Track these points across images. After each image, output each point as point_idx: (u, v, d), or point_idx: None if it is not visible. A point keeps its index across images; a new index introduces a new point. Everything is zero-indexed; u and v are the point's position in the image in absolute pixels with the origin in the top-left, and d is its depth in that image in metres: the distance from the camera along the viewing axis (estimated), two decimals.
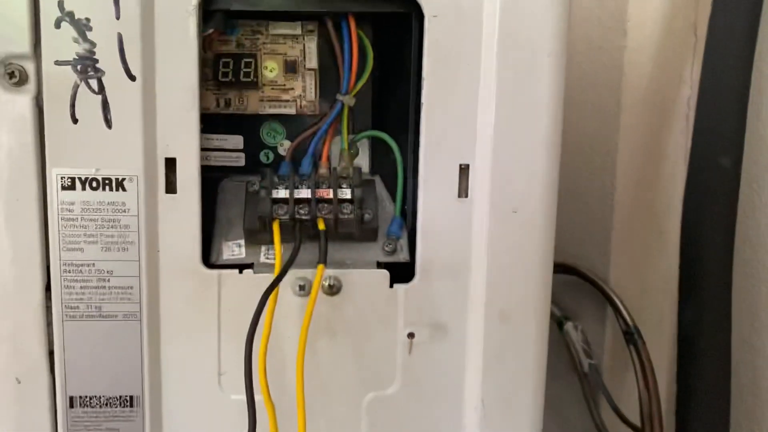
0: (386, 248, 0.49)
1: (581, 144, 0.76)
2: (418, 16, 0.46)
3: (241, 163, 0.53)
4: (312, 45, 0.51)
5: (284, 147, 0.53)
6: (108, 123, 0.44)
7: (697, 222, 0.60)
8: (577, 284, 0.76)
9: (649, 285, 0.75)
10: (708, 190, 0.59)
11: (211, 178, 0.51)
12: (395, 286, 0.48)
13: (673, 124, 0.71)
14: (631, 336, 0.71)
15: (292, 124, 0.53)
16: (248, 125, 0.53)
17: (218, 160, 0.53)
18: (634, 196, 0.76)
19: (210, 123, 0.51)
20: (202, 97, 0.51)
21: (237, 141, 0.53)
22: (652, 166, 0.74)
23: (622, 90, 0.76)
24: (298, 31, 0.51)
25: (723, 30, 0.57)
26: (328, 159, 0.51)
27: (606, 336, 0.80)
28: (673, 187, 0.70)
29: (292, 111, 0.52)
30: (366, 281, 0.47)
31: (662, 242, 0.72)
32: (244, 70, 0.50)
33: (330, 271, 0.47)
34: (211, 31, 0.47)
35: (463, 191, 0.47)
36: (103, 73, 0.43)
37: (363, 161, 0.54)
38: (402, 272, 0.48)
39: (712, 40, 0.58)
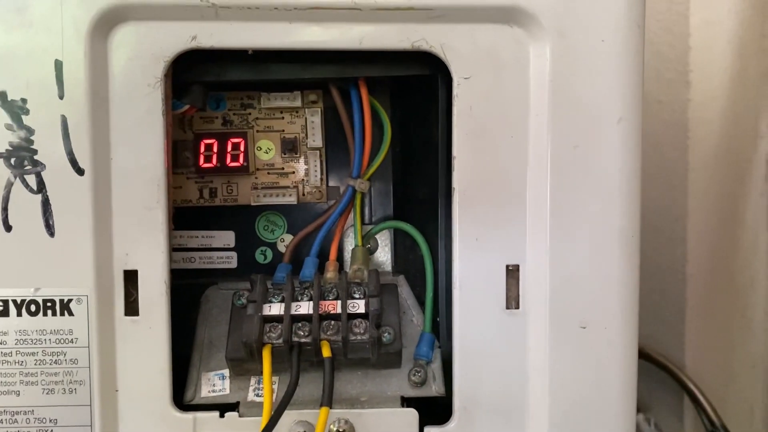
0: (413, 377, 0.38)
1: (646, 210, 0.68)
2: (445, 78, 0.36)
3: (233, 264, 0.43)
4: (315, 119, 0.41)
5: (285, 242, 0.43)
6: (50, 229, 0.34)
7: None
8: (648, 370, 0.68)
9: (733, 372, 0.67)
10: None
11: (195, 286, 0.41)
12: (426, 430, 0.36)
13: (751, 184, 0.65)
14: None
15: (294, 214, 0.43)
16: (241, 218, 0.43)
17: (205, 261, 0.43)
18: (709, 268, 0.68)
19: (194, 217, 0.42)
20: (183, 187, 0.41)
21: (227, 238, 0.43)
22: (729, 234, 0.66)
23: (688, 148, 0.69)
24: (298, 103, 0.41)
25: None
26: (338, 259, 0.40)
27: None
28: (755, 257, 0.64)
29: (293, 200, 0.42)
30: (387, 425, 0.36)
31: (746, 320, 0.66)
32: (232, 152, 0.41)
33: (338, 413, 0.36)
34: (186, 107, 0.38)
35: (512, 300, 0.36)
36: (43, 166, 0.34)
37: (384, 256, 0.43)
38: (435, 410, 0.37)
39: None
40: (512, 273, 0.36)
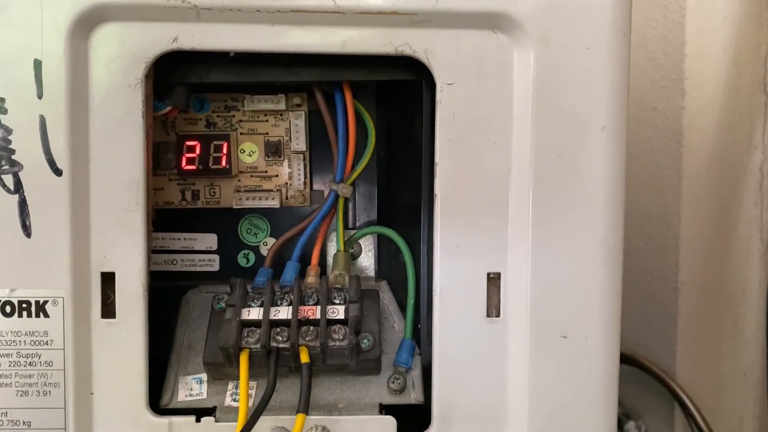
0: (392, 384, 0.37)
1: (638, 218, 0.68)
2: (429, 83, 0.36)
3: (215, 267, 0.43)
4: (300, 122, 0.41)
5: (269, 246, 0.43)
6: (27, 230, 0.34)
7: None
8: (639, 377, 0.68)
9: (723, 381, 0.67)
10: None
11: (176, 289, 0.40)
12: None
13: (744, 194, 0.65)
14: None
15: (277, 218, 0.43)
16: (224, 221, 0.43)
17: (187, 264, 0.42)
18: (701, 277, 0.67)
19: (177, 219, 0.42)
20: (165, 189, 0.41)
21: (210, 240, 0.43)
22: (722, 243, 0.66)
23: (682, 157, 0.68)
24: (282, 106, 0.41)
25: None
26: (320, 264, 0.40)
27: None
28: (748, 267, 0.64)
29: (275, 203, 0.41)
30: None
31: (737, 330, 0.66)
32: (214, 155, 0.40)
33: (315, 419, 0.36)
34: (168, 108, 0.37)
35: (493, 309, 0.36)
36: (20, 167, 0.34)
37: (368, 261, 0.43)
38: (414, 418, 0.37)
39: None
40: (493, 281, 0.36)
